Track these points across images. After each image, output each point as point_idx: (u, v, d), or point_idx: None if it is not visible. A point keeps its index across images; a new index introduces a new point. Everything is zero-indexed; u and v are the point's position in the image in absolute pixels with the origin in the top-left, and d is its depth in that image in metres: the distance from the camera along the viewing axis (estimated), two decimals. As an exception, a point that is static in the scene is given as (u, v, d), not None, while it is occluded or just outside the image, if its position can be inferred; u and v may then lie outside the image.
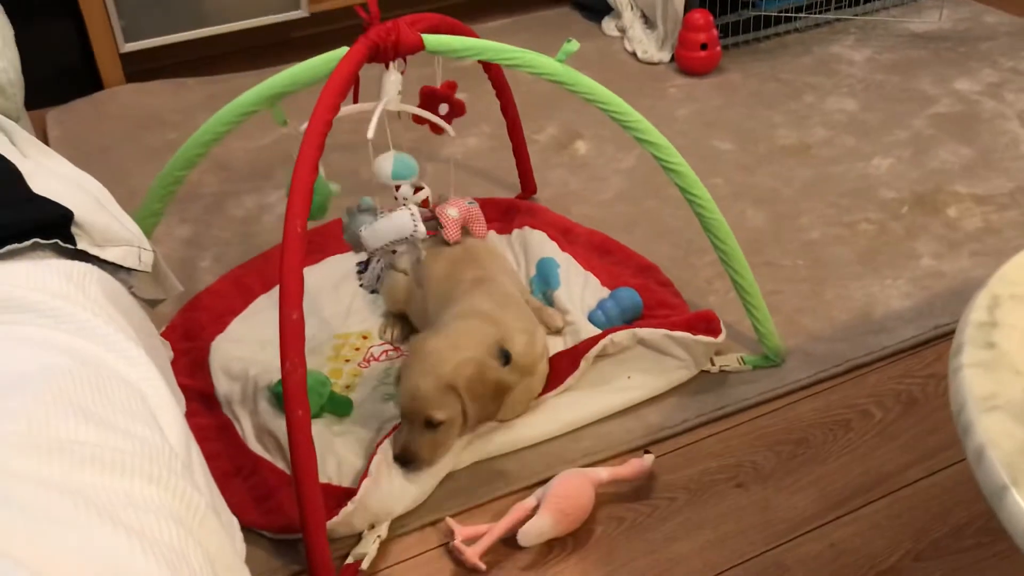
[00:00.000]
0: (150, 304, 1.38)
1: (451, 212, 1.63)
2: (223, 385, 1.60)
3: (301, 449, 1.20)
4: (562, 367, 1.55)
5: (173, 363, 1.67)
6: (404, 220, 1.41)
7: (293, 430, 1.20)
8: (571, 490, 1.37)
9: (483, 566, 1.31)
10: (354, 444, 1.49)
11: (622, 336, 1.56)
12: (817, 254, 1.91)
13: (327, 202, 1.47)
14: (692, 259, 1.90)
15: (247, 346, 1.69)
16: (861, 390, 1.59)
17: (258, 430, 1.52)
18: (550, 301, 1.77)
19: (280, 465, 1.46)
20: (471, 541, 1.33)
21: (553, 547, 1.35)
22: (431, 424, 1.38)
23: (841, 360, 1.64)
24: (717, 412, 1.55)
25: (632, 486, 1.44)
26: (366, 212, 1.46)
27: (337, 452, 1.46)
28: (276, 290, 1.83)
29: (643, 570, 1.31)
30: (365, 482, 1.34)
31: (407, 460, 1.39)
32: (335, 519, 1.31)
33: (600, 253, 1.91)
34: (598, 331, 1.65)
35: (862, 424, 1.53)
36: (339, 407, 1.54)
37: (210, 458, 1.47)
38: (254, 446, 1.50)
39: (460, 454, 1.46)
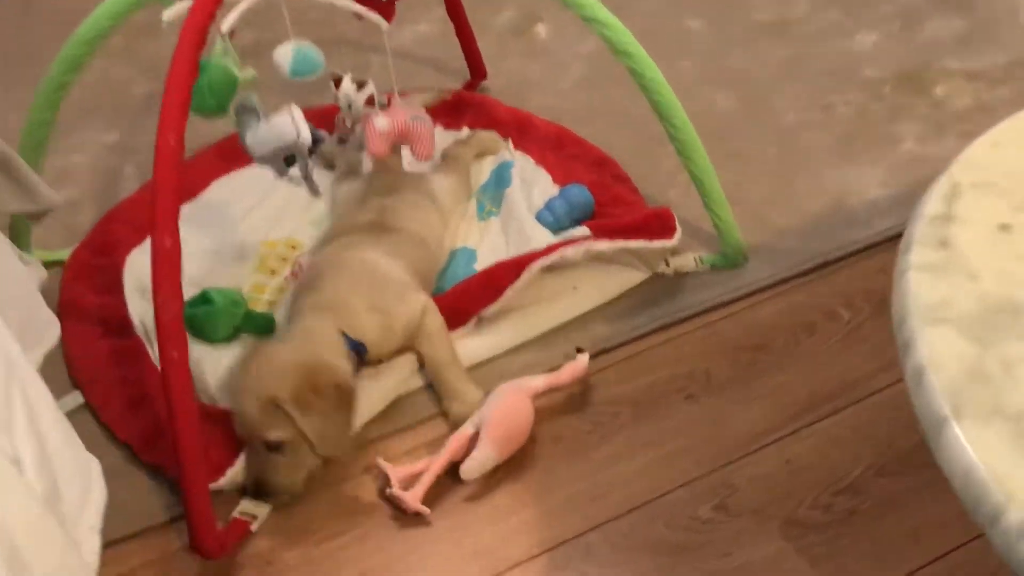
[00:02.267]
0: (34, 219, 1.26)
1: (379, 123, 1.43)
2: (136, 305, 1.48)
3: (176, 393, 1.07)
4: (501, 277, 1.41)
5: (88, 280, 1.56)
6: (284, 126, 1.25)
7: (167, 375, 1.07)
8: (510, 411, 1.25)
9: (426, 510, 1.18)
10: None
11: (575, 252, 1.41)
12: (790, 141, 1.75)
13: (232, 92, 1.30)
14: (655, 150, 1.73)
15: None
16: (830, 289, 1.46)
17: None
18: (499, 202, 1.62)
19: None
20: (408, 484, 1.21)
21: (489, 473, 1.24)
22: (273, 447, 1.17)
23: (809, 256, 1.50)
24: (671, 317, 1.42)
25: (570, 397, 1.32)
26: (249, 112, 1.30)
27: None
28: (205, 196, 1.71)
29: (581, 494, 1.21)
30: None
31: (264, 493, 1.18)
32: (219, 482, 1.19)
33: (555, 146, 1.76)
34: (547, 233, 1.51)
35: (828, 327, 1.40)
36: (259, 326, 1.41)
37: (119, 384, 1.37)
38: (166, 371, 1.39)
39: (386, 388, 1.33)
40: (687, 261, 1.49)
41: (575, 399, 1.32)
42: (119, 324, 1.45)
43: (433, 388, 1.34)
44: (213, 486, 1.18)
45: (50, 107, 1.42)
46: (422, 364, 1.36)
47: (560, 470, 1.24)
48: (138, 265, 1.56)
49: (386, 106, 1.48)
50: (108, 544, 1.17)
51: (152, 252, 1.09)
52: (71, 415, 1.35)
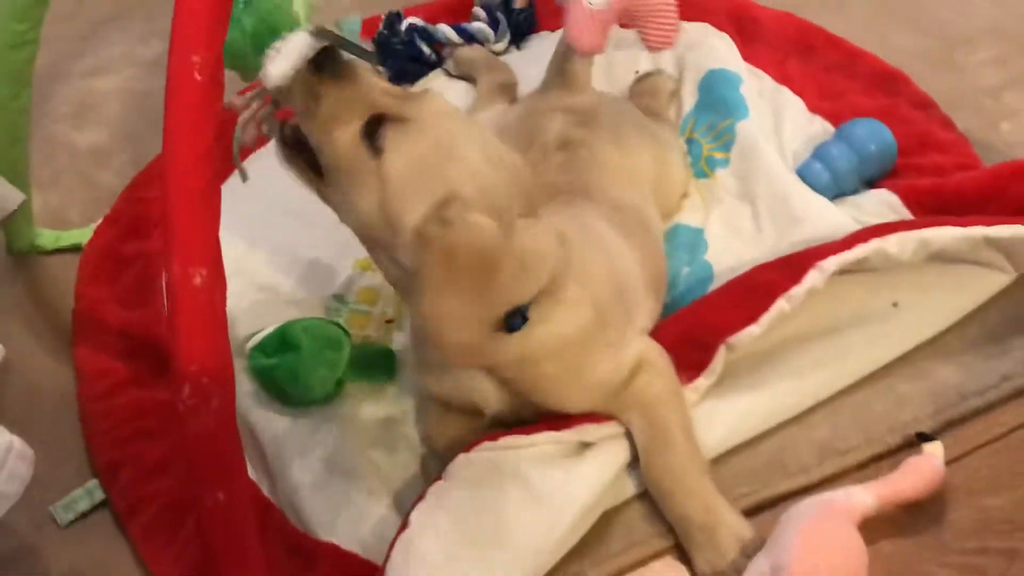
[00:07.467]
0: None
1: None
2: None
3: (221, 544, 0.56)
4: (769, 283, 0.83)
5: (112, 279, 1.04)
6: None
7: (207, 521, 0.55)
8: (827, 550, 0.70)
9: None
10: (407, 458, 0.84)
11: (903, 245, 0.82)
12: None
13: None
14: (958, 55, 1.16)
15: (231, 243, 1.00)
16: None
17: (241, 419, 0.88)
18: (727, 141, 1.03)
19: (264, 491, 0.83)
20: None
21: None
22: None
23: None
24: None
25: (910, 518, 0.75)
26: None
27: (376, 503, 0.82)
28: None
29: None
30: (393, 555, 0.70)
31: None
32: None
33: (800, 52, 1.17)
34: (827, 205, 0.93)
35: None
36: (373, 367, 0.88)
37: (154, 471, 0.86)
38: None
39: (582, 492, 0.76)
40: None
41: (917, 522, 0.75)
42: (157, 356, 0.92)
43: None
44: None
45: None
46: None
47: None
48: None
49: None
50: None
51: (170, 289, 0.55)
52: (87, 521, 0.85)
